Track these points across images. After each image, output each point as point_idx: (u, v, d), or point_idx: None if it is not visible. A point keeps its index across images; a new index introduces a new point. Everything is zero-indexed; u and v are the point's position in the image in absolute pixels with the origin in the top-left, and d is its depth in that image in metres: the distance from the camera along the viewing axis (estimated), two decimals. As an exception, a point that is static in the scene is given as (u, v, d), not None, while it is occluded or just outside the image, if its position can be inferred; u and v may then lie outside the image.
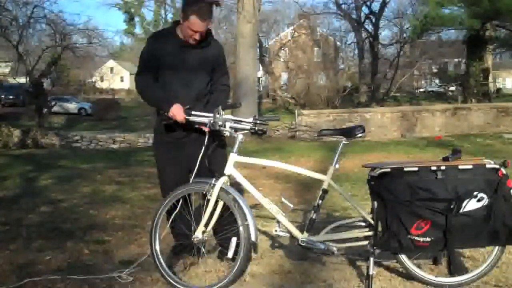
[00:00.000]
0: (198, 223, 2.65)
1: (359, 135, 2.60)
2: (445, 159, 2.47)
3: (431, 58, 31.23)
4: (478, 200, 2.36)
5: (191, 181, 2.70)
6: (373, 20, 30.47)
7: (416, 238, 2.38)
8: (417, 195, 2.37)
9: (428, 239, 2.38)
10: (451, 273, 2.53)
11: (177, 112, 2.64)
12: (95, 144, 14.47)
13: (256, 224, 2.56)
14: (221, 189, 2.58)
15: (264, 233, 3.59)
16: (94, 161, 8.94)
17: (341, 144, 2.61)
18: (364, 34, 31.02)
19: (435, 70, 36.36)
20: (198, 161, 2.68)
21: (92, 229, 3.82)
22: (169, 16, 36.81)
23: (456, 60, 34.77)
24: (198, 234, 2.62)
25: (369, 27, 30.99)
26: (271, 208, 2.61)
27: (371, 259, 2.45)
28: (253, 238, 2.49)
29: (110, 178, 6.53)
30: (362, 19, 30.69)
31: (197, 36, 2.69)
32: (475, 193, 2.36)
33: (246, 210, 2.53)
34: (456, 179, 2.39)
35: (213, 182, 2.59)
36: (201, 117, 2.66)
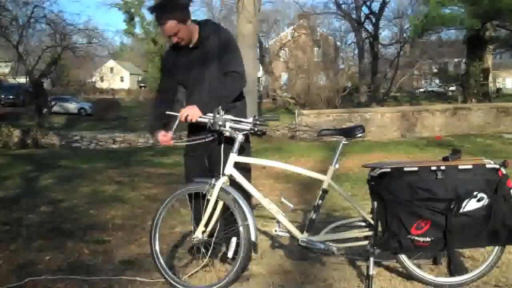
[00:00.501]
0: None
1: (359, 135, 2.60)
2: (445, 159, 2.47)
3: (431, 58, 31.19)
4: (478, 200, 2.36)
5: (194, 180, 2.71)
6: (373, 20, 30.46)
7: (416, 238, 2.37)
8: (417, 195, 2.37)
9: (428, 239, 2.38)
10: (451, 273, 2.53)
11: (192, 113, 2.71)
12: (95, 144, 14.48)
13: (256, 224, 2.56)
14: (221, 189, 2.58)
15: (264, 233, 3.59)
16: (94, 161, 8.94)
17: (341, 144, 2.61)
18: (364, 34, 31.03)
19: (435, 70, 36.31)
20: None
21: (92, 229, 3.82)
22: (169, 16, 36.66)
23: (456, 60, 34.75)
24: (198, 234, 2.62)
25: (369, 27, 31.02)
26: (271, 208, 2.61)
27: (371, 259, 2.45)
28: (253, 238, 2.48)
29: (110, 178, 6.53)
30: (362, 19, 30.68)
31: (175, 40, 2.75)
32: (475, 193, 2.36)
33: (246, 210, 2.53)
34: (456, 179, 2.38)
35: (213, 182, 2.59)
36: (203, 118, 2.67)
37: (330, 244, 2.56)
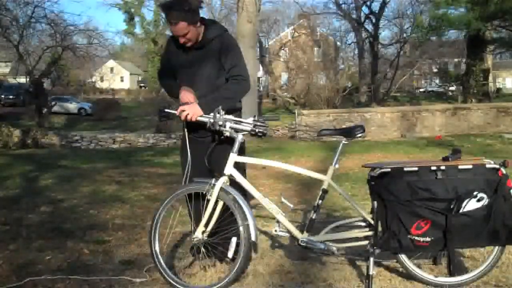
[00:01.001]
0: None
1: (359, 135, 2.60)
2: (445, 159, 2.47)
3: (431, 58, 31.23)
4: (478, 200, 2.36)
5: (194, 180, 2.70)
6: (373, 20, 30.46)
7: (416, 238, 2.38)
8: (417, 195, 2.37)
9: (428, 239, 2.38)
10: (451, 273, 2.52)
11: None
12: (95, 144, 14.48)
13: (256, 224, 2.56)
14: (221, 189, 2.58)
15: (264, 233, 3.59)
16: (94, 161, 8.95)
17: (341, 144, 2.61)
18: (364, 34, 31.02)
19: (435, 70, 36.35)
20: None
21: (92, 229, 3.82)
22: (169, 16, 36.68)
23: (456, 60, 34.76)
24: (198, 234, 2.62)
25: (369, 27, 31.01)
26: (271, 208, 2.61)
27: (371, 259, 2.45)
28: (253, 238, 2.48)
29: (110, 178, 6.53)
30: (362, 19, 30.68)
31: (182, 40, 2.72)
32: (475, 193, 2.36)
33: (246, 210, 2.53)
34: (456, 179, 2.38)
35: (213, 182, 2.59)
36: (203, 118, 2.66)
37: (330, 244, 2.56)
